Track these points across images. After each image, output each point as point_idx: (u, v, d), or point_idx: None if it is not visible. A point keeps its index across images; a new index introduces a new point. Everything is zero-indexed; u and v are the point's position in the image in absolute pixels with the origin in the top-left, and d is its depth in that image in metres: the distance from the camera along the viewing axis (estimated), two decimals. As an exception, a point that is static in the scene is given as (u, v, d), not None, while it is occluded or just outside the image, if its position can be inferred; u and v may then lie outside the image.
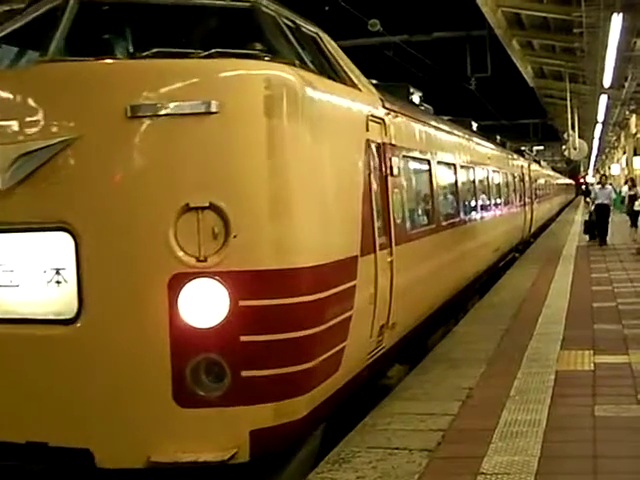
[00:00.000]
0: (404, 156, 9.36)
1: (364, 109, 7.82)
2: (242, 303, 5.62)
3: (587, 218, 25.96)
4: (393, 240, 8.15)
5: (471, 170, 15.17)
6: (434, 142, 11.80)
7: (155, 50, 5.95)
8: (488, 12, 25.12)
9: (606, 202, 24.70)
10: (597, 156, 78.48)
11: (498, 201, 18.65)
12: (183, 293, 5.59)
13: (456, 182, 13.30)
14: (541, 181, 34.84)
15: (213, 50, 5.97)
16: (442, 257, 11.20)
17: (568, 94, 34.54)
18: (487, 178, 17.24)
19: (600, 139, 57.80)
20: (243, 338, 5.62)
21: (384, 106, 8.69)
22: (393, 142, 8.70)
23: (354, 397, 7.56)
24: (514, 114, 61.33)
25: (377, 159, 8.01)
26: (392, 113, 8.95)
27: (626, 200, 28.60)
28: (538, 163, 39.21)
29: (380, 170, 8.08)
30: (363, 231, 7.17)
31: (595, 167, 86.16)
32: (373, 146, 7.89)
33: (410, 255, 8.92)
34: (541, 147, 75.21)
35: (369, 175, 7.59)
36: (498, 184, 18.92)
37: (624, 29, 19.06)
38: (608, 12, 18.42)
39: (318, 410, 6.28)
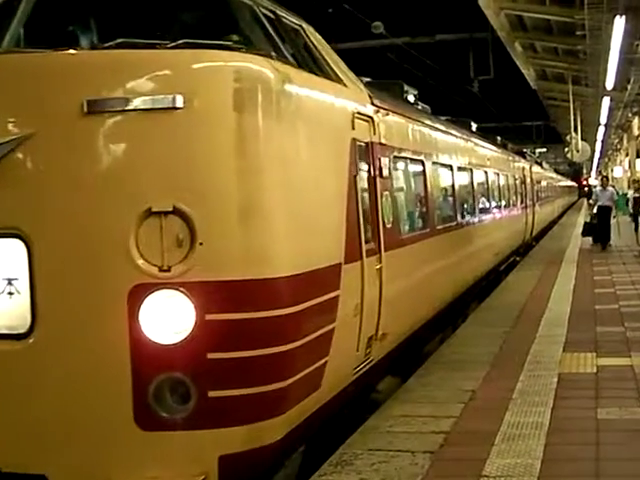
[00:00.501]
0: (395, 157, 8.91)
1: (349, 106, 7.35)
2: (209, 317, 5.17)
3: (587, 220, 25.80)
4: (382, 246, 7.69)
5: (469, 172, 14.79)
6: (429, 142, 11.35)
7: (119, 41, 5.48)
8: (491, 14, 25.15)
9: (608, 204, 24.43)
10: (600, 158, 78.57)
11: (498, 204, 18.28)
12: (145, 306, 5.14)
13: (453, 184, 12.89)
14: (543, 183, 34.75)
15: (181, 41, 5.49)
16: (437, 262, 10.73)
17: (571, 96, 34.59)
18: (486, 180, 16.92)
19: (603, 141, 57.89)
20: (210, 355, 5.18)
21: (373, 103, 8.25)
22: (383, 141, 8.27)
23: (339, 414, 7.23)
24: (517, 116, 61.53)
25: (364, 159, 7.57)
26: (382, 111, 8.49)
27: (630, 202, 28.47)
28: (540, 165, 39.16)
29: (368, 171, 7.66)
30: (348, 237, 6.70)
31: (598, 169, 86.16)
32: (360, 145, 7.44)
33: (401, 261, 8.48)
34: (544, 149, 75.25)
35: (355, 177, 7.11)
36: (498, 186, 18.62)
37: (627, 32, 19.07)
38: (611, 15, 18.44)
39: (296, 432, 5.87)
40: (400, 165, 9.52)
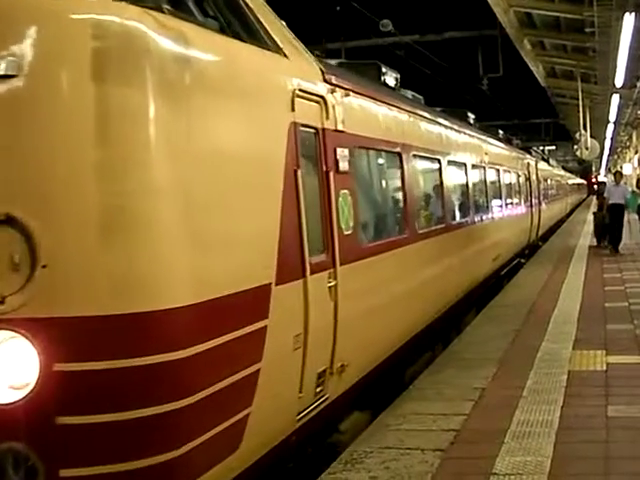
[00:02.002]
0: (360, 147, 7.51)
1: (288, 82, 5.88)
2: (59, 367, 3.93)
3: (597, 221, 24.83)
4: (337, 258, 6.36)
5: (462, 167, 13.32)
6: (408, 131, 9.67)
7: None
8: (500, 12, 25.09)
9: (621, 202, 22.68)
10: (609, 156, 78.46)
11: (497, 203, 16.84)
12: None
13: (440, 181, 11.36)
14: (550, 181, 34.50)
15: None
16: (418, 273, 9.30)
17: (580, 94, 34.48)
18: (484, 177, 15.56)
19: (612, 139, 57.79)
20: (61, 420, 3.94)
21: (325, 80, 6.74)
22: (340, 128, 6.83)
23: (283, 469, 6.16)
24: (526, 114, 61.31)
25: (312, 150, 6.25)
26: (339, 90, 6.96)
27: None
28: (547, 162, 38.92)
29: (318, 165, 6.32)
30: (282, 249, 5.34)
31: (607, 167, 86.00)
32: (304, 132, 6.04)
33: (366, 275, 7.13)
34: (553, 147, 75.09)
35: (295, 172, 5.71)
36: (498, 184, 17.27)
37: (636, 28, 19.03)
38: (620, 11, 18.41)
39: None
40: (367, 158, 8.14)
